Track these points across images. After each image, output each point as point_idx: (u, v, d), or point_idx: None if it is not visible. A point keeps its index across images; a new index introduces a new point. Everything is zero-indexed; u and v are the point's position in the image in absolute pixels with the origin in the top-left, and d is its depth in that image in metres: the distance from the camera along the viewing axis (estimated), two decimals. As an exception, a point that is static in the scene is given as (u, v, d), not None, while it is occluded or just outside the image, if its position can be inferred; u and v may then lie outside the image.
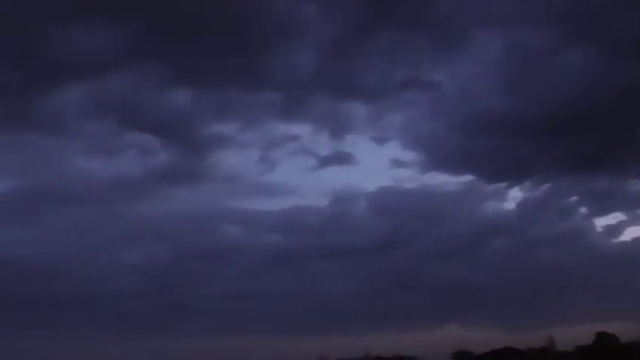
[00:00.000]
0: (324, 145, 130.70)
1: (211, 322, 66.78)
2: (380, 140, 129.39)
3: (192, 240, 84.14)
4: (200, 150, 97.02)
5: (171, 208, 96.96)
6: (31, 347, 54.72)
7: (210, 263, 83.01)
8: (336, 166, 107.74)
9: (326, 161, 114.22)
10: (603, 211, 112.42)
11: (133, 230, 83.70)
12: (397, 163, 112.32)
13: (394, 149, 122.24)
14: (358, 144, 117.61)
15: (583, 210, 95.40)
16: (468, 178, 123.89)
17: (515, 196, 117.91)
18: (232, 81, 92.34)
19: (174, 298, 77.35)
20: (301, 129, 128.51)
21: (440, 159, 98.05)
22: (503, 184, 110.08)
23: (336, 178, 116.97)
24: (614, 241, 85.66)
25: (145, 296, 73.26)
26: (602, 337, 25.51)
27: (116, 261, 78.53)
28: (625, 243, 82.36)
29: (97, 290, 72.97)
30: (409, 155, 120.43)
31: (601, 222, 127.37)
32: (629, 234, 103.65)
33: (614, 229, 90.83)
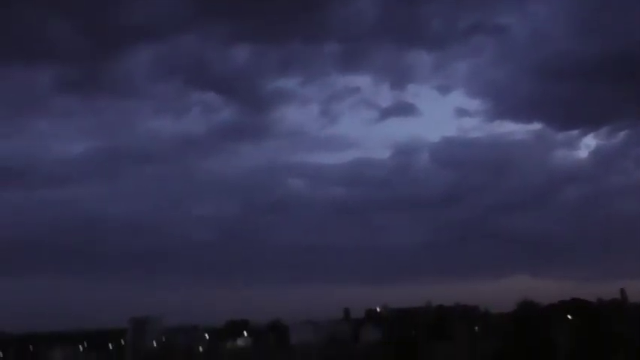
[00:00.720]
0: (385, 96, 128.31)
1: (278, 273, 70.33)
2: (443, 89, 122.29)
3: (258, 194, 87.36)
4: (262, 106, 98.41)
5: (237, 163, 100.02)
6: (110, 295, 60.26)
7: (276, 216, 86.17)
8: (398, 117, 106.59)
9: (387, 113, 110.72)
10: None
11: (203, 185, 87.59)
12: (462, 112, 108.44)
13: (458, 98, 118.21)
14: (420, 94, 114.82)
15: None
16: (537, 126, 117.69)
17: (588, 144, 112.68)
18: (292, 35, 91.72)
19: (244, 249, 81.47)
20: (362, 80, 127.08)
21: (507, 107, 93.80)
22: (576, 132, 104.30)
23: (399, 129, 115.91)
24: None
25: (217, 247, 77.84)
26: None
27: (188, 214, 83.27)
28: None
29: (170, 242, 78.17)
30: (474, 104, 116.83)
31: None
32: None
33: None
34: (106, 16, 72.89)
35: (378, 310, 45.32)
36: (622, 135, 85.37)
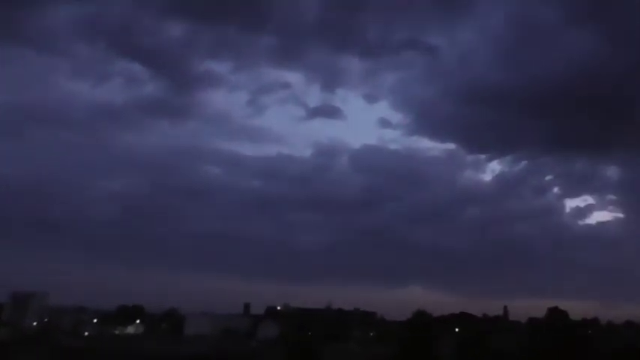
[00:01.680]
0: (314, 96, 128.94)
1: (180, 259, 68.19)
2: (370, 98, 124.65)
3: (172, 175, 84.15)
4: (189, 86, 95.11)
5: (154, 140, 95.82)
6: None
7: (189, 200, 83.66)
8: (324, 118, 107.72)
9: (314, 112, 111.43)
10: (575, 193, 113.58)
11: (115, 159, 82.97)
12: (384, 123, 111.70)
13: (383, 108, 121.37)
14: (348, 99, 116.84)
15: (556, 190, 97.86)
16: (450, 146, 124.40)
17: (493, 168, 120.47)
18: (230, 20, 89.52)
19: (147, 230, 78.04)
20: (294, 77, 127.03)
21: (426, 124, 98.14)
22: (484, 156, 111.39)
23: (323, 130, 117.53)
24: (581, 223, 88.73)
25: (118, 225, 73.88)
26: (553, 312, 26.78)
27: (95, 188, 78.58)
28: (590, 226, 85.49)
29: (73, 215, 73.36)
30: (397, 116, 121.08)
31: (571, 203, 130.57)
32: (596, 217, 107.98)
33: (583, 212, 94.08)
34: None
35: (278, 308, 45.23)
36: (523, 164, 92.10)
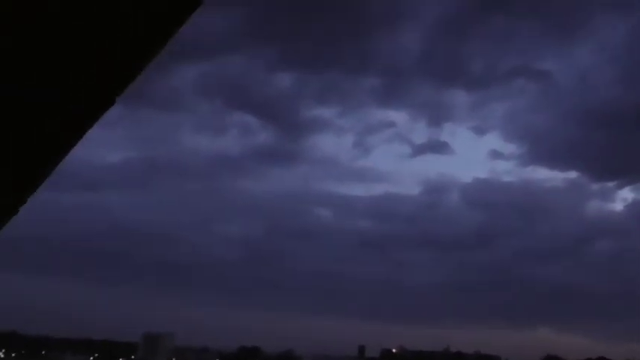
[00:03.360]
0: (420, 133, 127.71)
1: (295, 300, 69.26)
2: (479, 130, 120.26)
3: (285, 218, 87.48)
4: (298, 132, 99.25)
5: (267, 186, 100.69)
6: (126, 304, 60.09)
7: (300, 242, 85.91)
8: (431, 154, 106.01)
9: (421, 149, 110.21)
10: None
11: (232, 205, 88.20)
12: (496, 155, 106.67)
13: (494, 140, 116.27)
14: (456, 133, 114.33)
15: None
16: (572, 174, 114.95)
17: (624, 197, 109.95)
18: (335, 65, 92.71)
19: (265, 271, 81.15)
20: (398, 115, 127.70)
21: (543, 152, 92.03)
22: (612, 184, 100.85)
23: (431, 166, 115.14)
24: None
25: (237, 267, 77.69)
26: None
27: (214, 232, 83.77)
28: None
29: (192, 257, 78.42)
30: (509, 147, 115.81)
31: None
32: None
33: None
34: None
35: (394, 350, 43.88)
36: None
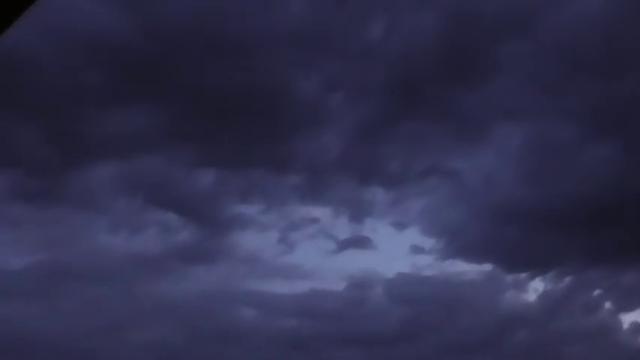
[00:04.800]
0: (343, 228, 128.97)
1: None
2: (399, 225, 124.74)
3: (206, 321, 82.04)
4: (221, 229, 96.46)
5: (187, 287, 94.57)
6: None
7: (223, 345, 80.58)
8: (355, 249, 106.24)
9: (345, 244, 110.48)
10: (630, 307, 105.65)
11: (148, 309, 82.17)
12: (416, 250, 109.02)
13: (414, 235, 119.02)
14: (377, 228, 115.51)
15: (608, 305, 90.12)
16: (487, 267, 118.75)
17: (536, 287, 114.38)
18: (257, 164, 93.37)
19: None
20: (321, 212, 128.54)
21: (459, 246, 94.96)
22: (524, 275, 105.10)
23: (355, 262, 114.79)
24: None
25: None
26: None
27: (129, 340, 76.92)
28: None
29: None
30: (429, 242, 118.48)
31: (628, 318, 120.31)
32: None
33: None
34: (73, 127, 72.60)
35: None
36: (568, 280, 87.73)
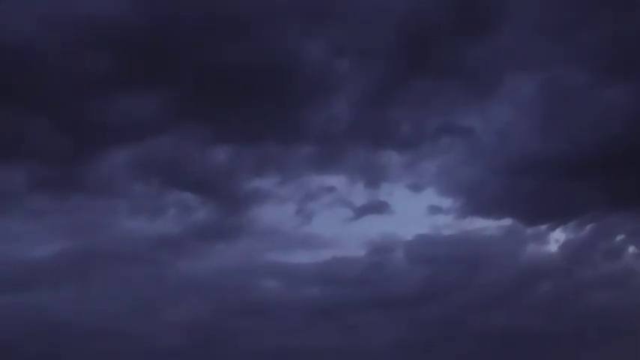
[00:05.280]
0: (359, 195, 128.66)
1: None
2: (415, 187, 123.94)
3: (231, 296, 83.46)
4: (238, 205, 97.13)
5: (210, 264, 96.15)
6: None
7: (250, 319, 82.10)
8: (373, 215, 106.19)
9: (362, 211, 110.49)
10: None
11: (175, 288, 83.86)
12: (434, 210, 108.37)
13: (431, 196, 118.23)
14: (393, 192, 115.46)
15: (632, 249, 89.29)
16: (507, 221, 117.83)
17: (557, 238, 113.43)
18: (270, 138, 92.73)
19: (215, 354, 76.44)
20: (337, 180, 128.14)
21: (477, 204, 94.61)
22: (544, 226, 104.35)
23: (373, 227, 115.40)
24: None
25: (187, 353, 72.94)
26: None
27: (160, 319, 78.70)
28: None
29: (141, 348, 72.98)
30: (446, 201, 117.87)
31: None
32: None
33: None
34: (84, 115, 72.73)
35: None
36: (589, 228, 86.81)
